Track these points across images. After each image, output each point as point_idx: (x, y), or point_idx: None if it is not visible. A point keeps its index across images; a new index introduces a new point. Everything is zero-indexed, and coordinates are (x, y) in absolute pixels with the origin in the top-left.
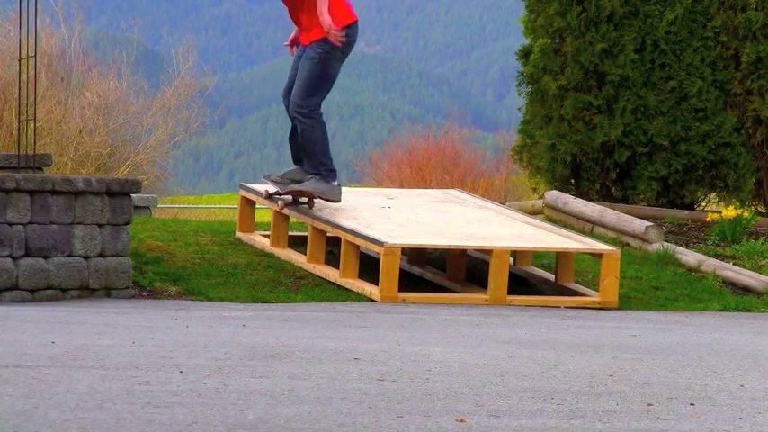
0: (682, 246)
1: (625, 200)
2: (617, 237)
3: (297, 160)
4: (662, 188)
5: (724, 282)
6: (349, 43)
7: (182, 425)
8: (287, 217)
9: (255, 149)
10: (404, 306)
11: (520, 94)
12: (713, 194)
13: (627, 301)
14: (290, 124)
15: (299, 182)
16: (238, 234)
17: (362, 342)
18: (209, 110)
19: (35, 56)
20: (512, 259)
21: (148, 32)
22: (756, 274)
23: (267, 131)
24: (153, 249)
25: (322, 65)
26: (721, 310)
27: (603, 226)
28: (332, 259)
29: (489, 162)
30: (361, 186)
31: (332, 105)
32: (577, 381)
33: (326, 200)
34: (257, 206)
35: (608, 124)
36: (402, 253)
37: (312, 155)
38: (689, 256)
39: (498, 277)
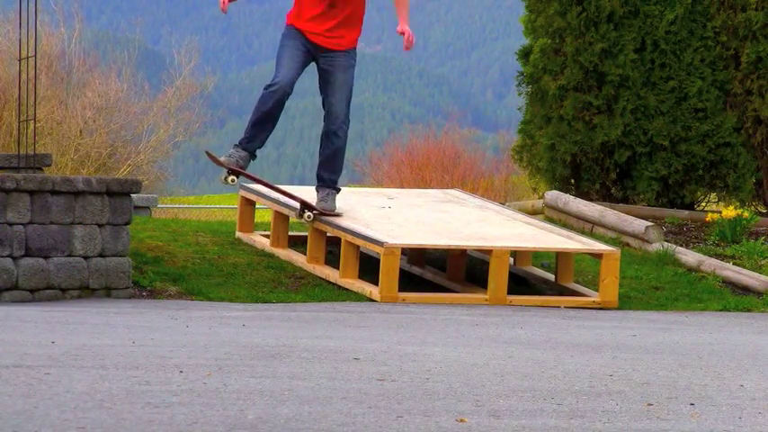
0: (682, 246)
1: (625, 200)
2: (617, 237)
3: (259, 145)
4: (662, 188)
5: (724, 282)
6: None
7: (182, 425)
8: (287, 217)
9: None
10: (404, 306)
11: (520, 94)
12: (713, 194)
13: (627, 301)
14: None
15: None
16: (238, 234)
17: (362, 342)
18: (210, 110)
19: (35, 56)
20: (512, 259)
21: (149, 32)
22: (756, 274)
23: None
24: (153, 249)
25: (353, 75)
26: (721, 310)
27: (603, 226)
28: (332, 259)
29: (489, 162)
30: (361, 186)
31: None
32: (577, 381)
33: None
34: (257, 206)
35: (608, 124)
36: (402, 253)
37: (339, 168)
38: (689, 256)
39: (498, 277)
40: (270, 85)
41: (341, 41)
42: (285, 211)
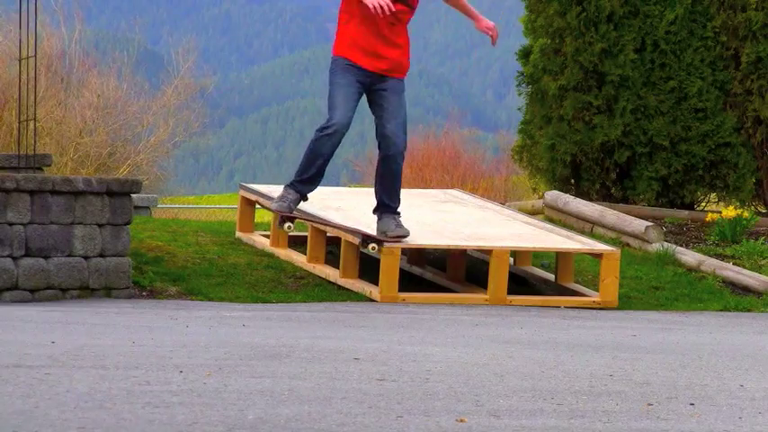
0: (682, 246)
1: (625, 200)
2: (617, 237)
3: (313, 188)
4: (662, 188)
5: (724, 282)
6: None
7: (182, 425)
8: None
9: (255, 149)
10: (404, 306)
11: (520, 94)
12: (713, 194)
13: (627, 301)
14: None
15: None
16: (238, 234)
17: (362, 342)
18: (209, 110)
19: (35, 56)
20: (512, 259)
21: (148, 32)
22: (756, 274)
23: (267, 131)
24: (153, 249)
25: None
26: (721, 310)
27: (603, 226)
28: (332, 259)
29: (489, 162)
30: (362, 186)
31: None
32: (577, 381)
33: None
34: (257, 206)
35: (608, 124)
36: (402, 253)
37: (398, 192)
38: (689, 256)
39: (498, 277)
40: (325, 128)
41: (398, 67)
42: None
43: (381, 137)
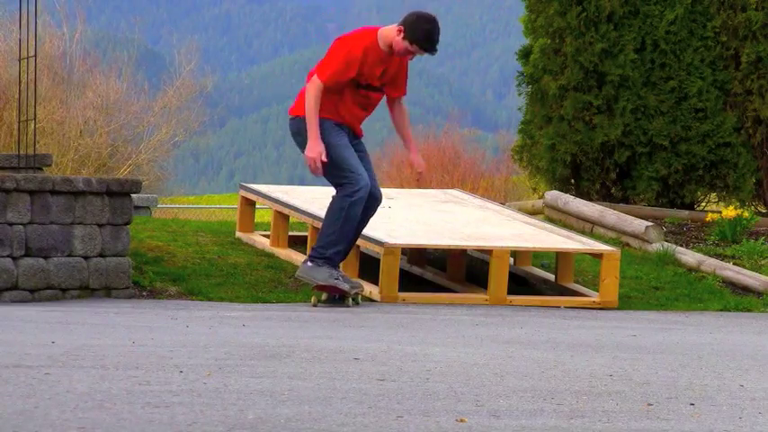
0: (682, 246)
1: (625, 200)
2: (617, 237)
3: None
4: (662, 188)
5: (724, 282)
6: None
7: (182, 425)
8: (287, 217)
9: (255, 149)
10: (404, 306)
11: (520, 95)
12: (713, 194)
13: (627, 301)
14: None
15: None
16: (238, 234)
17: (362, 342)
18: (210, 110)
19: (35, 56)
20: (512, 259)
21: (149, 32)
22: (756, 274)
23: (267, 131)
24: (153, 249)
25: None
26: (721, 310)
27: (603, 226)
28: None
29: (489, 162)
30: None
31: None
32: (577, 381)
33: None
34: (257, 206)
35: (608, 124)
36: (402, 253)
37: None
38: (689, 256)
39: (498, 277)
40: (354, 193)
41: (359, 126)
42: (285, 210)
43: (368, 196)
